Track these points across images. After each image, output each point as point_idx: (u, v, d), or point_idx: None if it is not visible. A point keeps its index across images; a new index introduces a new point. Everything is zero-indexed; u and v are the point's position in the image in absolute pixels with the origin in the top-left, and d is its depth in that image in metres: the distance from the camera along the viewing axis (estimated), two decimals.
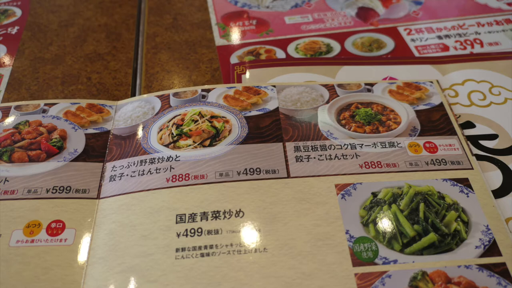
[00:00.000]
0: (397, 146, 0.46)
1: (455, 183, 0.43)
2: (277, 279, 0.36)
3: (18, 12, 0.69)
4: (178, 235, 0.39)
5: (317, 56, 0.59)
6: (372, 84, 0.53)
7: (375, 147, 0.46)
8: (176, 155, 0.45)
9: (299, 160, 0.44)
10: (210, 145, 0.46)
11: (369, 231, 0.39)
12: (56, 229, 0.40)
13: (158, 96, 0.52)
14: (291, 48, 0.61)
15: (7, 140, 0.47)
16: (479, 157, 0.46)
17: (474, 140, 0.47)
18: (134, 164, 0.45)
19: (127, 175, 0.44)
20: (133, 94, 0.56)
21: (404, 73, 0.55)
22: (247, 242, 0.39)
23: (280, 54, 0.60)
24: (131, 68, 0.59)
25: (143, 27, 0.66)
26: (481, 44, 0.60)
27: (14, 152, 0.46)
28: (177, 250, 0.38)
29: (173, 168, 0.44)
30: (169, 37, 0.64)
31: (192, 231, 0.39)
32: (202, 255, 0.38)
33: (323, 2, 0.69)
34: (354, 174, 0.43)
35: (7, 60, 0.60)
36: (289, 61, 0.58)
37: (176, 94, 0.52)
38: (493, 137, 0.48)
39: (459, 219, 0.40)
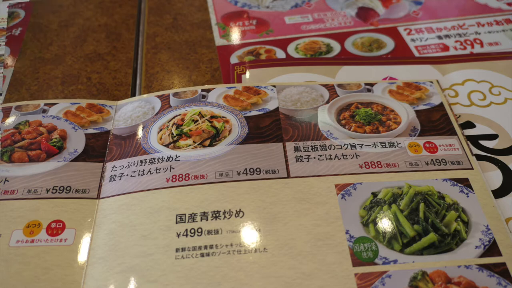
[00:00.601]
0: (397, 146, 0.46)
1: (455, 183, 0.43)
2: (277, 279, 0.36)
3: (22, 13, 0.69)
4: (178, 235, 0.39)
5: (317, 56, 0.59)
6: (372, 84, 0.53)
7: (375, 147, 0.46)
8: (176, 155, 0.45)
9: (299, 160, 0.44)
10: (210, 145, 0.46)
11: (369, 231, 0.39)
12: (56, 229, 0.40)
13: (158, 96, 0.52)
14: (291, 48, 0.61)
15: (7, 140, 0.47)
16: (479, 157, 0.46)
17: (474, 140, 0.47)
18: (134, 164, 0.45)
19: (127, 175, 0.44)
20: (133, 94, 0.56)
21: (404, 73, 0.55)
22: (247, 242, 0.39)
23: (280, 54, 0.60)
24: (131, 68, 0.59)
25: (143, 27, 0.66)
26: (481, 44, 0.60)
27: (14, 152, 0.46)
28: (177, 250, 0.38)
29: (173, 168, 0.44)
30: (169, 37, 0.64)
31: (192, 231, 0.39)
32: (202, 255, 0.38)
33: (323, 2, 0.69)
34: (354, 174, 0.43)
35: (9, 61, 0.60)
36: (289, 61, 0.58)
37: (176, 94, 0.52)
38: (493, 137, 0.48)
39: (459, 219, 0.40)
